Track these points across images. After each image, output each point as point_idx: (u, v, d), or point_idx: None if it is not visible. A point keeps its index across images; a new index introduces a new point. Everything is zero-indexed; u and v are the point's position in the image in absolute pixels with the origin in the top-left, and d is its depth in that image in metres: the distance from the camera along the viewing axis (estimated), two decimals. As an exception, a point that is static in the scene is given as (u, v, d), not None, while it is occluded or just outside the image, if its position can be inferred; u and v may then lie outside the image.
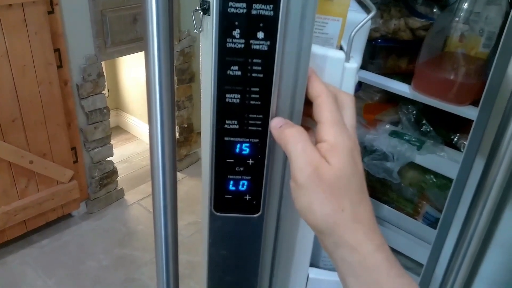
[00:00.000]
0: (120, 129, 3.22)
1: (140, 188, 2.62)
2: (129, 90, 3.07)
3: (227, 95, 0.43)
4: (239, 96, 0.43)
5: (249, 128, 0.44)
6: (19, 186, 2.01)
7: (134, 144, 3.06)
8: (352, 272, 0.38)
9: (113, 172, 2.43)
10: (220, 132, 0.44)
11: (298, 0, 0.40)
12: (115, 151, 2.43)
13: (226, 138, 0.45)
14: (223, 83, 0.42)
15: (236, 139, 0.45)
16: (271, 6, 0.39)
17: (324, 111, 0.40)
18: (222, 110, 0.43)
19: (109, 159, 2.39)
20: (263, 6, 0.39)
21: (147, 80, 0.42)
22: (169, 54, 0.42)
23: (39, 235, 2.21)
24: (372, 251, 0.38)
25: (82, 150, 2.23)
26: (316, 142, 0.41)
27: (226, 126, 0.44)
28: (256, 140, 0.45)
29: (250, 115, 0.43)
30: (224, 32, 0.40)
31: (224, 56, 0.41)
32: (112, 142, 2.38)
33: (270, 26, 0.40)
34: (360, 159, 0.41)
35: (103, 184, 2.39)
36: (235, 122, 0.44)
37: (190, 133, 2.77)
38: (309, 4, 0.40)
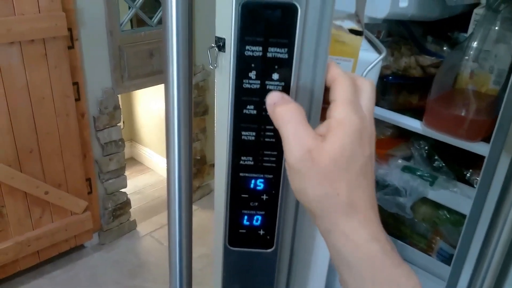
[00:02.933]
0: (134, 161, 3.26)
1: (153, 219, 2.62)
2: (144, 122, 3.12)
3: (243, 133, 0.44)
4: (254, 133, 0.44)
5: (264, 164, 0.45)
6: (33, 216, 2.03)
7: (148, 176, 3.08)
8: (344, 261, 0.36)
9: (126, 203, 2.45)
10: (235, 167, 0.45)
11: (311, 43, 0.41)
12: (128, 182, 2.45)
13: (241, 174, 0.46)
14: (239, 121, 0.43)
15: (251, 175, 0.46)
16: (286, 49, 0.41)
17: (338, 90, 0.38)
18: (238, 147, 0.45)
19: (123, 190, 2.41)
20: (278, 50, 0.41)
21: (166, 114, 0.44)
22: (188, 89, 0.44)
23: (51, 265, 2.22)
24: (366, 240, 0.35)
25: (97, 181, 2.26)
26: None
27: (241, 162, 0.45)
28: (271, 176, 0.46)
29: (265, 152, 0.45)
30: (241, 73, 0.42)
31: (241, 96, 0.43)
32: (126, 173, 2.41)
33: (285, 67, 0.41)
34: (370, 143, 0.38)
35: (116, 215, 2.40)
36: (250, 158, 0.45)
37: (203, 165, 2.79)
38: (321, 46, 0.42)
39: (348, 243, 0.35)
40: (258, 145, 0.44)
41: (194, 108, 2.60)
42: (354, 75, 0.41)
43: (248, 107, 0.43)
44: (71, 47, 1.92)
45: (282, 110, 0.38)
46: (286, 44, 0.41)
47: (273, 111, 0.38)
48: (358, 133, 0.36)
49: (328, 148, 0.35)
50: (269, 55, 0.41)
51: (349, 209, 0.35)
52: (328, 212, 0.36)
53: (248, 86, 0.42)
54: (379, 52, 0.58)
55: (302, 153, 0.35)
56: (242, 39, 0.41)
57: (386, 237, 0.36)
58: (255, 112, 0.43)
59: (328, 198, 0.35)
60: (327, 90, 0.41)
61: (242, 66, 0.42)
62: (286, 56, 0.41)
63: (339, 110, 0.36)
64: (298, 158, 0.35)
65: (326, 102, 0.41)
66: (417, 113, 1.11)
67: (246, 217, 0.48)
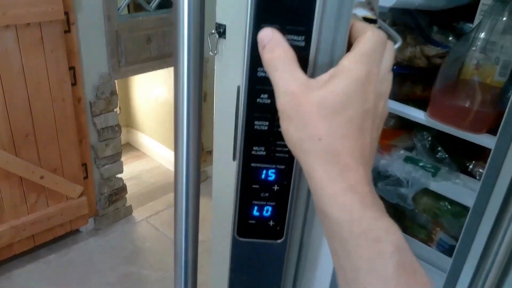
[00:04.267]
0: (130, 146, 3.24)
1: (149, 205, 2.62)
2: (141, 108, 3.10)
3: (256, 122, 0.43)
4: (267, 123, 0.43)
5: (276, 154, 0.44)
6: (29, 201, 2.02)
7: (144, 162, 3.07)
8: (318, 210, 0.34)
9: (122, 189, 2.44)
10: (247, 158, 0.45)
11: (329, 30, 0.40)
12: (124, 168, 2.44)
13: (253, 164, 0.45)
14: (252, 110, 0.43)
15: (263, 165, 0.45)
16: (303, 37, 0.40)
17: (360, 42, 0.37)
18: (250, 137, 0.44)
19: (119, 175, 2.40)
20: (295, 37, 0.40)
21: (176, 101, 0.43)
22: (199, 71, 0.43)
23: (46, 250, 2.21)
24: (343, 189, 0.32)
25: (93, 167, 2.25)
26: None
27: (253, 152, 0.44)
28: (283, 167, 0.45)
29: (278, 142, 0.44)
30: (255, 61, 0.41)
31: (255, 85, 0.42)
32: (122, 159, 2.40)
33: (302, 56, 0.40)
34: (377, 99, 0.36)
35: (112, 200, 2.39)
36: (262, 148, 0.44)
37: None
38: (339, 34, 0.41)
39: (323, 191, 0.33)
40: (271, 135, 0.44)
41: (191, 94, 2.58)
42: (381, 33, 0.38)
43: (262, 96, 0.42)
44: (67, 31, 1.90)
45: (269, 57, 0.37)
46: (303, 32, 0.40)
47: (262, 55, 0.38)
48: (360, 83, 0.34)
49: (318, 93, 0.34)
50: (285, 42, 0.40)
51: (329, 156, 0.33)
52: (307, 156, 0.34)
53: (262, 74, 0.41)
54: (393, 41, 0.56)
55: (288, 98, 0.35)
56: (258, 26, 0.39)
57: (370, 191, 0.33)
58: (268, 101, 0.42)
59: (309, 141, 0.34)
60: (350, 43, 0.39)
61: (257, 54, 0.40)
62: (303, 44, 0.40)
63: (349, 58, 0.36)
64: (283, 102, 0.35)
65: None
66: (421, 104, 1.10)
67: (256, 207, 0.47)
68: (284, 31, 0.40)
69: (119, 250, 2.28)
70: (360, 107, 0.34)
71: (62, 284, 2.05)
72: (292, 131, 0.35)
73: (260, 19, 0.39)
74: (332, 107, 0.34)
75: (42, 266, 2.13)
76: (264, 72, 0.41)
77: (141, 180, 2.86)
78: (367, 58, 0.36)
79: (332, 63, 0.42)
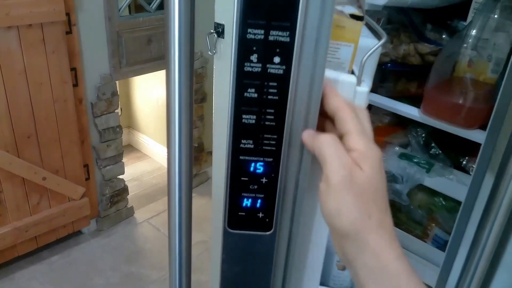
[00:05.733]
0: (131, 148, 3.26)
1: (150, 206, 2.64)
2: (142, 109, 3.12)
3: (244, 116, 0.44)
4: (254, 117, 0.44)
5: (264, 147, 0.46)
6: (31, 202, 2.04)
7: (145, 163, 3.08)
8: (373, 278, 0.39)
9: (124, 190, 2.45)
10: (235, 151, 0.46)
11: (313, 26, 0.42)
12: (126, 169, 2.46)
13: (241, 157, 0.46)
14: (240, 104, 0.44)
15: (251, 158, 0.46)
16: (288, 32, 0.41)
17: (349, 123, 0.42)
18: (238, 130, 0.45)
19: (120, 177, 2.41)
20: (280, 33, 0.41)
21: (168, 99, 0.44)
22: (190, 75, 0.44)
23: (49, 251, 2.23)
24: (394, 259, 0.39)
25: (94, 168, 2.26)
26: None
27: (241, 145, 0.46)
28: (270, 159, 0.46)
29: (265, 135, 0.45)
30: (242, 56, 0.42)
31: (242, 79, 0.43)
32: (124, 160, 2.41)
33: (286, 51, 0.42)
34: (384, 169, 0.42)
35: (114, 201, 2.41)
36: (250, 141, 0.46)
37: (200, 152, 2.80)
38: (323, 30, 0.42)
39: (378, 261, 0.39)
40: (259, 129, 0.45)
41: (192, 95, 2.60)
42: (351, 103, 0.45)
43: (249, 90, 0.43)
44: (69, 32, 1.91)
45: (326, 136, 0.42)
46: (288, 28, 0.41)
47: (316, 138, 0.42)
48: (380, 162, 0.41)
49: (364, 173, 0.39)
50: (270, 38, 0.41)
51: (379, 230, 0.39)
52: (361, 233, 0.39)
53: (249, 69, 0.43)
54: (379, 38, 0.58)
55: (345, 173, 0.39)
56: (244, 22, 0.41)
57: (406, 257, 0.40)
58: (256, 95, 0.44)
59: (362, 219, 0.39)
60: (323, 116, 0.45)
61: (244, 49, 0.42)
62: (288, 39, 0.41)
63: (360, 143, 0.41)
64: (341, 177, 0.39)
65: (321, 114, 0.45)
66: (415, 101, 1.11)
67: (245, 199, 0.48)
68: (269, 27, 0.41)
69: (121, 251, 2.29)
70: (384, 180, 0.42)
71: (65, 285, 2.06)
72: (345, 210, 0.39)
73: (246, 15, 0.41)
74: (375, 187, 0.40)
75: (45, 267, 2.15)
76: (251, 67, 0.43)
77: (142, 181, 2.88)
78: (368, 136, 0.42)
79: (316, 58, 0.43)
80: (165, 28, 0.42)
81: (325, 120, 0.46)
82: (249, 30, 0.41)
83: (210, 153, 2.78)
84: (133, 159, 3.13)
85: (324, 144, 0.41)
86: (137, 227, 2.48)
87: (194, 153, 2.75)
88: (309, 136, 0.44)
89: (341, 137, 0.43)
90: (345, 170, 0.39)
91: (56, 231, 2.19)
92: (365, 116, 0.45)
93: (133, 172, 2.95)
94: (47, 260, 2.18)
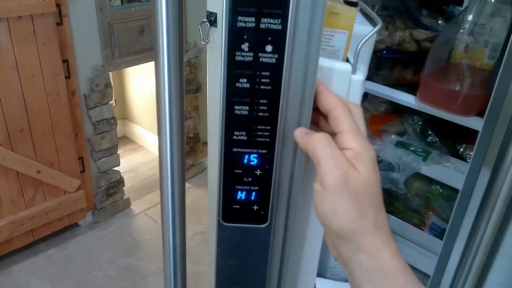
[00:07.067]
0: (126, 139, 3.24)
1: (146, 198, 2.63)
2: (136, 101, 3.10)
3: (236, 107, 0.43)
4: (247, 108, 0.43)
5: (257, 139, 0.45)
6: (26, 196, 2.03)
7: (141, 154, 3.07)
8: (370, 278, 0.39)
9: (120, 181, 2.44)
10: (228, 143, 0.45)
11: (306, 13, 0.40)
12: (121, 161, 2.44)
13: (234, 149, 0.45)
14: (231, 95, 0.43)
15: (244, 150, 0.45)
16: (280, 20, 0.40)
17: (343, 122, 0.41)
18: (231, 122, 0.44)
19: (116, 168, 2.40)
20: (272, 20, 0.40)
21: (157, 90, 0.43)
22: (179, 65, 0.42)
23: (46, 244, 2.22)
24: (390, 258, 0.39)
25: (89, 160, 2.25)
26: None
27: (234, 137, 0.44)
28: (264, 151, 0.45)
29: (258, 127, 0.44)
30: (233, 45, 0.41)
31: (233, 69, 0.42)
32: (119, 152, 2.40)
33: (278, 39, 0.40)
34: (378, 168, 0.42)
35: (110, 193, 2.40)
36: (243, 133, 0.44)
37: (196, 143, 2.78)
38: (316, 17, 0.41)
39: (374, 261, 0.39)
40: (252, 120, 0.44)
41: (186, 85, 2.58)
42: (346, 101, 0.45)
43: (241, 80, 0.42)
44: (59, 23, 1.88)
45: (319, 136, 0.41)
46: (280, 15, 0.40)
47: (309, 138, 0.42)
48: (374, 161, 0.41)
49: (360, 174, 0.39)
50: (262, 26, 0.40)
51: (375, 230, 0.39)
52: (357, 234, 0.39)
53: (240, 58, 0.41)
54: (374, 25, 0.56)
55: (340, 174, 0.39)
56: (234, 9, 0.39)
57: (402, 256, 0.40)
58: (248, 85, 0.42)
59: (358, 219, 0.39)
60: (317, 113, 0.45)
61: (234, 38, 0.41)
62: (279, 27, 0.40)
63: (354, 142, 0.40)
64: (335, 178, 0.39)
65: (314, 109, 0.44)
66: (411, 88, 1.10)
67: (239, 192, 0.48)
68: (260, 14, 0.40)
69: (118, 243, 2.29)
70: (379, 179, 0.41)
71: (62, 278, 2.06)
72: (341, 210, 0.39)
73: (236, 2, 0.39)
74: (371, 187, 0.40)
75: (42, 261, 2.14)
76: (243, 56, 0.42)
77: (138, 173, 2.86)
78: (362, 136, 0.42)
79: (309, 46, 0.42)
80: (152, 17, 0.40)
81: (319, 115, 0.45)
82: (240, 18, 0.39)
83: (206, 143, 2.77)
84: (129, 150, 3.11)
85: (318, 145, 0.40)
86: (134, 218, 2.47)
87: (190, 143, 2.74)
88: (301, 134, 0.43)
89: (334, 134, 0.42)
90: (340, 171, 0.39)
91: (52, 224, 2.18)
92: (359, 113, 0.44)
93: (128, 163, 2.94)
94: (44, 254, 2.18)
